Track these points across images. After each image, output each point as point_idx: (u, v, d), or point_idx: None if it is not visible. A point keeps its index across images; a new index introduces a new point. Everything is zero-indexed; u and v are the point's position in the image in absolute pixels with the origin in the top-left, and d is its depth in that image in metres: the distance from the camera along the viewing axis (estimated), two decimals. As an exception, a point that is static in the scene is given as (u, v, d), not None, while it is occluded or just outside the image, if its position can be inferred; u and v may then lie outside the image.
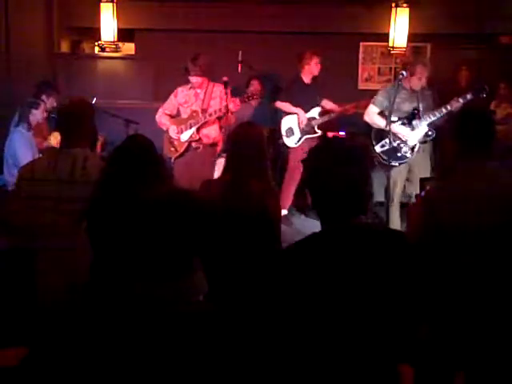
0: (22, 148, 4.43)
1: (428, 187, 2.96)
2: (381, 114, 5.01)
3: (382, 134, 4.96)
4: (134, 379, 1.31)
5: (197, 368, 1.33)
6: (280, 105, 5.84)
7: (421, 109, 4.87)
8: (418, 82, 4.84)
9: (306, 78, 5.83)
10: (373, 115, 5.03)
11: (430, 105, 4.90)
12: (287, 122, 5.84)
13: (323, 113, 5.91)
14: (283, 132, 5.83)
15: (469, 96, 4.69)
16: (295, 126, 5.80)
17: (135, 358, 1.31)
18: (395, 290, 1.74)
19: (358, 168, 1.79)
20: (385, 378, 1.75)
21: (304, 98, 5.74)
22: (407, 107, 4.90)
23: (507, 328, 2.31)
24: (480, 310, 2.32)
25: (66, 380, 1.30)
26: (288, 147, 5.87)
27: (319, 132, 5.85)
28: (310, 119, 5.81)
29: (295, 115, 5.78)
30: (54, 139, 4.79)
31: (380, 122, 4.97)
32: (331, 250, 1.76)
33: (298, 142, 5.80)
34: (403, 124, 4.90)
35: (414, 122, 4.88)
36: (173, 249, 1.41)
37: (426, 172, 4.90)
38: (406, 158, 4.92)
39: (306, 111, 5.80)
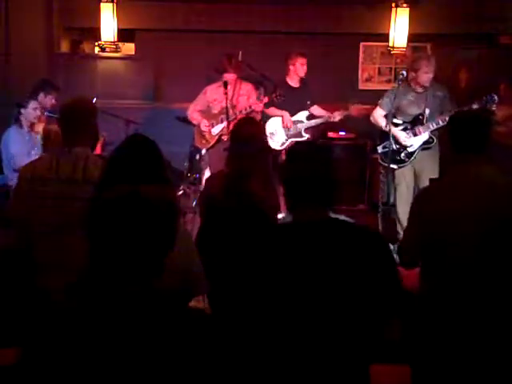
0: (16, 144, 4.45)
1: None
2: (387, 115, 4.96)
3: (385, 135, 4.94)
4: (128, 379, 1.31)
5: (189, 368, 1.34)
6: (266, 110, 5.73)
7: (426, 114, 4.75)
8: (426, 75, 4.68)
9: (293, 81, 5.77)
10: (377, 117, 4.99)
11: (439, 109, 4.76)
12: (272, 125, 5.78)
13: (311, 117, 5.83)
14: (267, 134, 5.71)
15: (474, 106, 4.57)
16: (279, 129, 5.76)
17: (131, 357, 1.31)
18: (354, 282, 1.77)
19: (319, 167, 1.89)
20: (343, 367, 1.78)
21: (290, 102, 5.62)
22: (414, 111, 4.82)
23: (505, 326, 2.31)
24: (477, 307, 2.32)
25: (63, 379, 1.30)
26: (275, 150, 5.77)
27: (306, 136, 5.77)
28: (296, 122, 5.75)
29: (280, 118, 5.75)
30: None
31: (383, 124, 4.95)
32: (288, 242, 1.85)
33: (283, 145, 5.74)
34: (405, 129, 4.84)
35: (416, 128, 4.80)
36: (149, 249, 1.39)
37: (433, 175, 4.83)
38: (404, 162, 4.89)
39: (292, 115, 5.74)
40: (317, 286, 1.76)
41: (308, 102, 5.79)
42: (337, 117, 5.67)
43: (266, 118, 5.80)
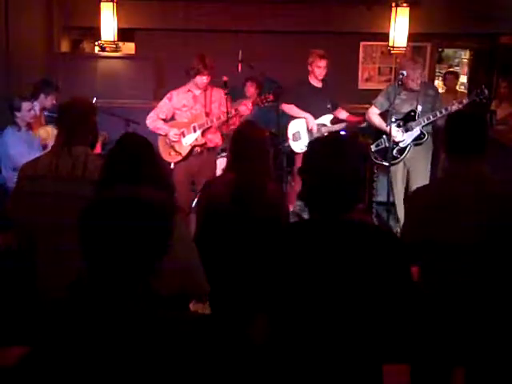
0: (17, 147, 4.42)
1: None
2: (382, 114, 5.01)
3: (378, 133, 5.01)
4: (129, 380, 1.30)
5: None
6: (286, 107, 5.54)
7: (419, 111, 4.81)
8: (412, 82, 4.74)
9: (314, 81, 5.56)
10: (372, 116, 5.05)
11: (430, 107, 4.82)
12: (295, 126, 5.59)
13: (335, 121, 5.64)
14: (290, 135, 5.58)
15: (465, 100, 4.65)
16: (303, 131, 5.56)
17: (132, 359, 1.31)
18: (372, 284, 1.74)
19: (346, 164, 1.78)
20: (358, 367, 1.77)
21: (313, 102, 5.48)
22: (406, 108, 4.88)
23: (504, 324, 2.31)
24: (477, 307, 2.32)
25: (65, 380, 1.30)
26: (295, 152, 5.62)
27: None
28: (320, 125, 5.54)
29: (304, 120, 5.54)
30: (44, 133, 4.75)
31: (378, 123, 5.00)
32: (309, 241, 1.79)
33: (305, 147, 5.56)
34: (398, 126, 4.89)
35: (408, 124, 4.85)
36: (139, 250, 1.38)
37: (424, 173, 4.90)
38: (397, 159, 4.93)
39: (315, 116, 5.53)
40: (332, 285, 1.73)
41: (328, 106, 5.57)
42: (364, 122, 5.52)
43: (287, 118, 5.64)
